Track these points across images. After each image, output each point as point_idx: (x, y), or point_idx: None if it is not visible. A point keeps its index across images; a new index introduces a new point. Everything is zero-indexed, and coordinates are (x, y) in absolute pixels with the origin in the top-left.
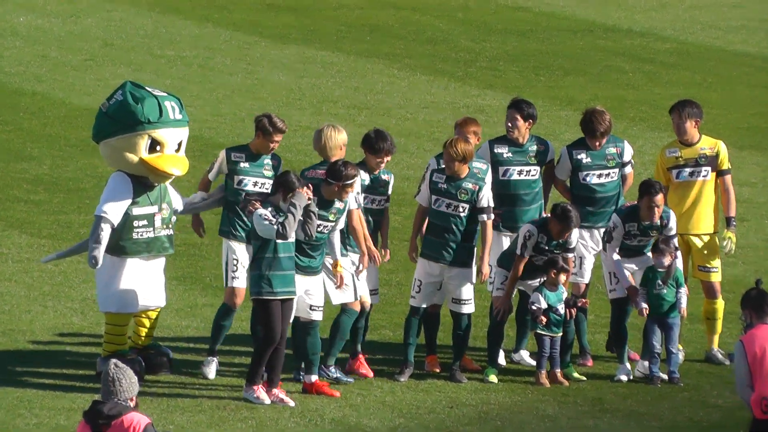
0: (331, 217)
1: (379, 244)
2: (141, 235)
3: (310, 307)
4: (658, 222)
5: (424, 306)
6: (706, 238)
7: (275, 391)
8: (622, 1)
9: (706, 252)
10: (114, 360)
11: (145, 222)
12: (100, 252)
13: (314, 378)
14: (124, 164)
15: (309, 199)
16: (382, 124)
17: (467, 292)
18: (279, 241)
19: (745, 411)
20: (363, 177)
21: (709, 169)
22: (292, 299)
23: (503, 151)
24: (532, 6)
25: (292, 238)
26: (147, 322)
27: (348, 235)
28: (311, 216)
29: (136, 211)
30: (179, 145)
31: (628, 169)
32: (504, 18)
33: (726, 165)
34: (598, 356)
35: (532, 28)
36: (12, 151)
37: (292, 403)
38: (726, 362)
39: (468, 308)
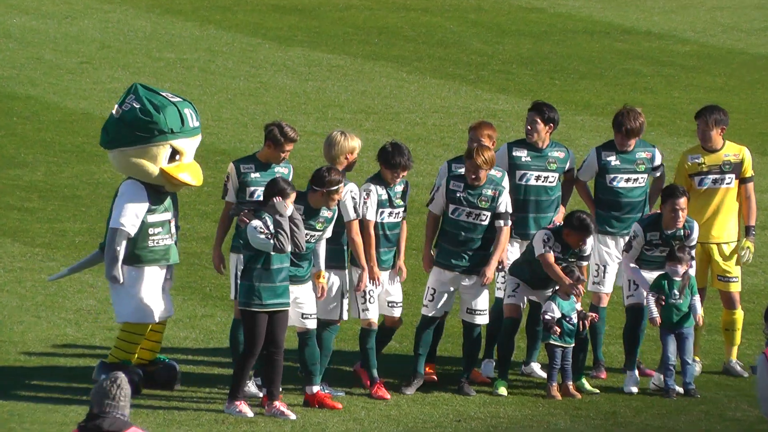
0: (318, 227)
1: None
2: (157, 243)
3: (302, 315)
4: (681, 232)
5: (438, 315)
6: (728, 247)
7: (276, 404)
8: (640, 2)
9: (727, 261)
10: (120, 372)
11: (160, 229)
12: (119, 269)
13: (315, 389)
14: (141, 173)
15: (286, 207)
16: (390, 130)
17: (483, 302)
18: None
19: (765, 425)
20: (380, 192)
21: (733, 176)
22: (285, 311)
23: (522, 154)
24: (547, 7)
25: (288, 250)
26: (155, 335)
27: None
28: (298, 226)
29: (152, 218)
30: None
31: (660, 172)
32: (517, 19)
33: (750, 172)
34: (613, 368)
35: (547, 30)
36: (5, 157)
37: (293, 416)
38: (745, 374)
39: (482, 319)
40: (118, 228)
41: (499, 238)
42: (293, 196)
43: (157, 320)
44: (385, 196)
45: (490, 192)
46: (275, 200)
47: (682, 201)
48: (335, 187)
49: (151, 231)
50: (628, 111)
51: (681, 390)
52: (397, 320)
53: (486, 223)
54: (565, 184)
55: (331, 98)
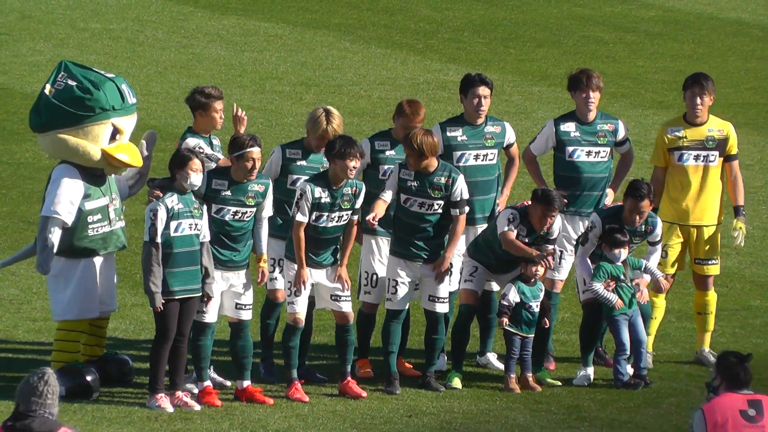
0: (248, 202)
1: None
2: (97, 231)
3: (237, 305)
4: (642, 228)
5: (404, 307)
6: (707, 231)
7: (179, 394)
8: None
9: (707, 245)
10: (47, 368)
11: (99, 216)
12: (50, 258)
13: (246, 383)
14: (81, 156)
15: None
16: (332, 103)
17: (444, 289)
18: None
19: None
20: (320, 195)
21: (716, 153)
22: (192, 298)
23: (457, 133)
24: None
25: (179, 233)
26: (98, 330)
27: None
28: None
29: (90, 205)
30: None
31: (626, 147)
32: None
33: (735, 150)
34: (575, 358)
35: None
36: None
37: (197, 407)
38: None
39: (442, 307)
40: (51, 216)
41: (455, 227)
42: (196, 163)
43: (96, 315)
44: (326, 199)
45: (443, 180)
46: (181, 174)
47: (644, 204)
48: (240, 152)
49: (89, 219)
50: (583, 68)
51: (629, 374)
52: (348, 315)
53: (440, 211)
54: (510, 158)
55: (268, 70)
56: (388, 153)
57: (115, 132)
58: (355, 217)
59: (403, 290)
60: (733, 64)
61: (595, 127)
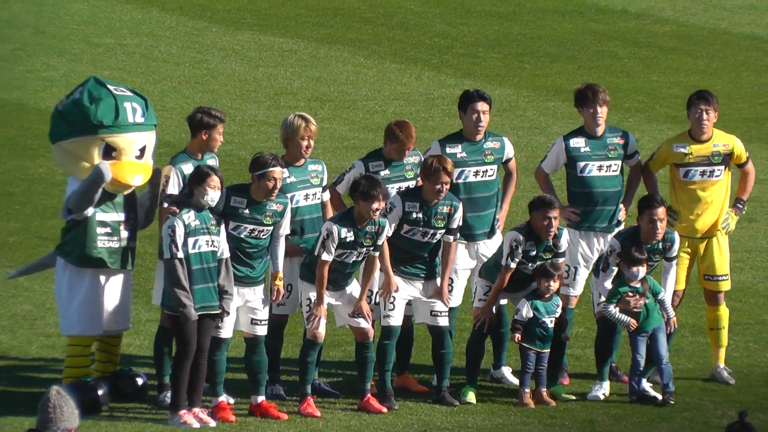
0: (266, 221)
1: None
2: (105, 244)
3: (252, 320)
4: (661, 245)
5: (400, 324)
6: (716, 243)
7: (195, 410)
8: None
9: (716, 258)
10: (56, 386)
11: (109, 230)
12: (82, 200)
13: (261, 399)
14: (77, 170)
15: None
16: (347, 118)
17: (443, 303)
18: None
19: None
20: (346, 235)
21: (722, 168)
22: (210, 314)
23: (456, 150)
24: None
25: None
26: (111, 348)
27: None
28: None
29: (101, 216)
30: (142, 151)
31: (635, 160)
32: None
33: (744, 158)
34: (590, 374)
35: (515, 10)
36: None
37: (212, 423)
38: (732, 381)
39: (444, 320)
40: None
41: (447, 253)
42: (215, 180)
43: (99, 332)
44: (351, 238)
45: (446, 209)
46: (198, 190)
47: (660, 211)
48: (262, 171)
49: (99, 230)
50: (592, 84)
51: (659, 396)
52: (367, 332)
53: (438, 238)
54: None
55: (283, 85)
56: (382, 173)
57: (110, 149)
58: (377, 253)
59: (400, 308)
60: (747, 79)
61: (605, 140)
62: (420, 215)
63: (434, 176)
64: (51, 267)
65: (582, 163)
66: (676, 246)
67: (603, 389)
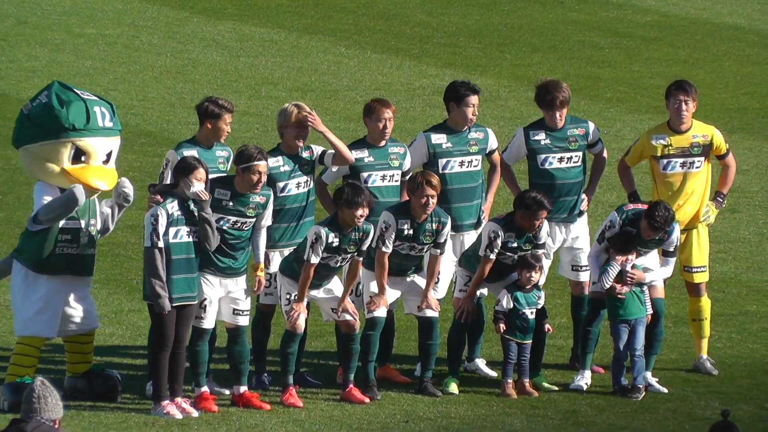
0: (249, 213)
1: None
2: (63, 251)
3: (234, 311)
4: (658, 236)
5: (384, 315)
6: (696, 234)
7: (178, 400)
8: None
9: (695, 250)
10: (41, 377)
11: (69, 237)
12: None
13: (243, 389)
14: (45, 174)
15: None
16: (328, 108)
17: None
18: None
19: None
20: (332, 240)
21: (702, 159)
22: (189, 305)
23: (441, 141)
24: None
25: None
26: (80, 347)
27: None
28: (206, 223)
29: (62, 223)
30: (108, 156)
31: (599, 149)
32: None
33: (724, 149)
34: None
35: (496, 0)
36: None
37: (195, 414)
38: (715, 372)
39: (434, 312)
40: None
41: (434, 265)
42: (201, 172)
43: (53, 335)
44: (336, 243)
45: (434, 226)
46: (184, 181)
47: (659, 234)
48: (247, 164)
49: (59, 237)
50: (550, 82)
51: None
52: (352, 324)
53: (426, 251)
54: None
55: (264, 75)
56: (366, 160)
57: (79, 153)
58: (360, 258)
59: (388, 299)
60: (729, 69)
61: (566, 132)
62: (410, 232)
63: (419, 190)
64: (8, 275)
65: (542, 156)
66: (674, 237)
67: (585, 379)
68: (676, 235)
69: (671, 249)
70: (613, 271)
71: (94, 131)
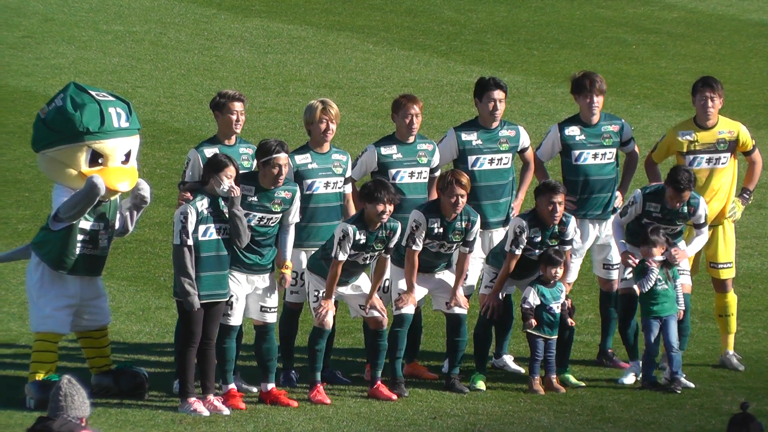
0: (274, 209)
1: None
2: (82, 251)
3: (261, 308)
4: (685, 208)
5: (413, 314)
6: (723, 230)
7: (210, 397)
8: None
9: (722, 246)
10: (67, 376)
11: (87, 238)
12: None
13: (270, 386)
14: (63, 177)
15: (231, 190)
16: (356, 105)
17: (462, 293)
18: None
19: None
20: (359, 237)
21: (728, 155)
22: (218, 302)
23: (472, 138)
24: None
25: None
26: (94, 342)
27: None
28: (237, 220)
29: (84, 225)
30: (127, 155)
31: (631, 147)
32: None
33: (750, 145)
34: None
35: None
36: None
37: (226, 411)
38: (741, 368)
39: (462, 309)
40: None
41: (463, 263)
42: (231, 170)
43: (68, 332)
44: (363, 240)
45: (464, 224)
46: (215, 178)
47: (685, 195)
48: (267, 157)
49: (80, 237)
50: (588, 72)
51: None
52: (381, 320)
53: (455, 249)
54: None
55: (292, 72)
56: (395, 157)
57: (96, 155)
58: (388, 256)
59: (415, 298)
60: (756, 65)
61: (600, 128)
62: (441, 230)
63: (449, 189)
64: (27, 258)
65: (577, 152)
66: (701, 210)
67: (633, 371)
68: (704, 207)
69: (702, 221)
70: (653, 275)
71: (110, 133)
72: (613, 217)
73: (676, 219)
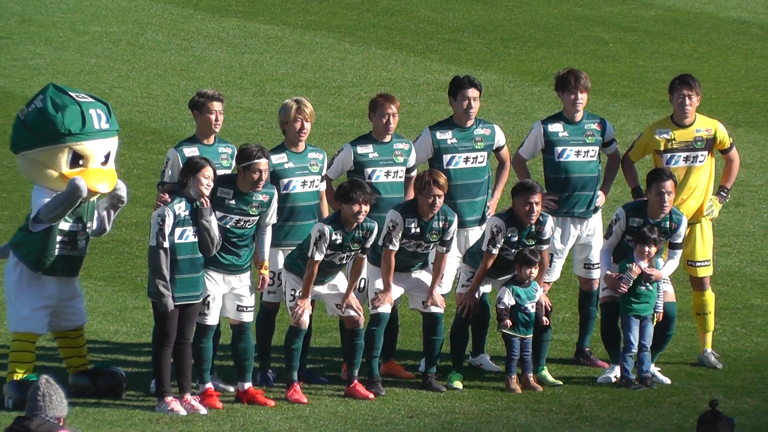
0: (252, 212)
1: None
2: (60, 252)
3: (238, 307)
4: (668, 224)
5: (389, 313)
6: (700, 229)
7: (187, 397)
8: None
9: (699, 244)
10: (45, 375)
11: (66, 239)
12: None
13: (247, 385)
14: (44, 179)
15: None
16: (333, 105)
17: (438, 291)
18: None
19: (741, 417)
20: (336, 237)
21: (705, 153)
22: (193, 304)
23: (447, 136)
24: None
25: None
26: (71, 342)
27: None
28: (205, 231)
29: (63, 226)
30: (106, 157)
31: (613, 149)
32: None
33: (727, 143)
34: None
35: None
36: None
37: (203, 411)
38: (719, 366)
39: (438, 309)
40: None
41: (439, 262)
42: (209, 171)
43: (46, 332)
44: (339, 240)
45: (441, 224)
46: (192, 180)
47: (668, 184)
48: (247, 162)
49: (59, 238)
50: (573, 69)
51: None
52: (357, 319)
53: (431, 249)
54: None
55: (268, 72)
56: (371, 156)
57: (77, 157)
58: (364, 255)
59: (392, 297)
60: (734, 63)
61: (583, 126)
62: (418, 230)
63: (426, 189)
64: (4, 258)
65: (560, 148)
66: (682, 229)
67: (614, 372)
68: (684, 227)
69: (678, 241)
70: (631, 277)
71: (91, 134)
72: (594, 216)
73: (658, 232)
